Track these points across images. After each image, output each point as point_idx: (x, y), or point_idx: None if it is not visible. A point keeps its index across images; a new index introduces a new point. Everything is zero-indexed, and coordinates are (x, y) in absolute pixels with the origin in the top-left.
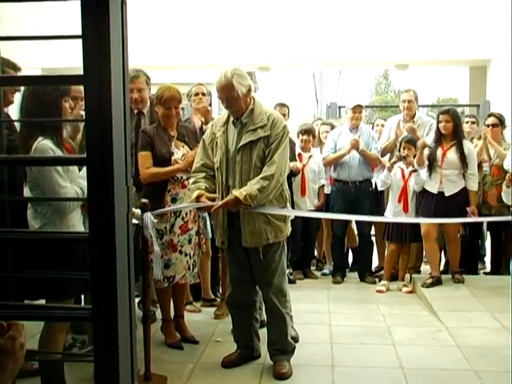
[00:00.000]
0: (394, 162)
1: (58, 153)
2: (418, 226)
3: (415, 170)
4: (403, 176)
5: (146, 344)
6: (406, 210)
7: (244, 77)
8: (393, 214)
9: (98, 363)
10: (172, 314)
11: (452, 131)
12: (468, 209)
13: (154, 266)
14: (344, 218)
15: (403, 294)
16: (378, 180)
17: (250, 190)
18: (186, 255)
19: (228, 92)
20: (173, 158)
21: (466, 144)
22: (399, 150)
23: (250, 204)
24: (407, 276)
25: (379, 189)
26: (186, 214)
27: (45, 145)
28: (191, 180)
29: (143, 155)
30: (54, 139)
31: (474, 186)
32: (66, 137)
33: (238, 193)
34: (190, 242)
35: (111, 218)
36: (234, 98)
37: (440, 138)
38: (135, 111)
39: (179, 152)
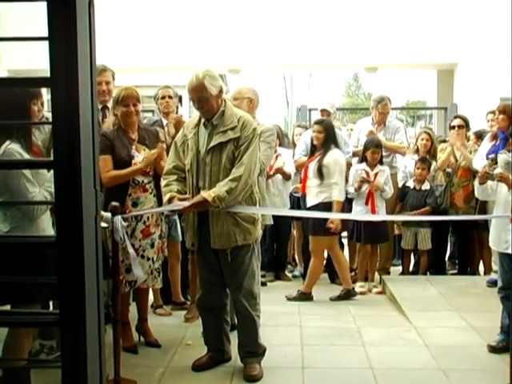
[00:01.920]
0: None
1: (26, 157)
2: (384, 226)
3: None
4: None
5: (116, 348)
6: (373, 211)
7: (215, 78)
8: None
9: (65, 369)
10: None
11: (323, 142)
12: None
13: (134, 269)
14: (312, 216)
15: (373, 294)
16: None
17: (219, 192)
18: (148, 259)
19: (199, 93)
20: (133, 161)
21: (331, 154)
22: (363, 153)
23: (218, 206)
24: (377, 277)
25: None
26: (148, 218)
27: (12, 149)
28: (163, 183)
29: (103, 159)
30: (23, 143)
31: (335, 195)
32: (35, 140)
33: (207, 194)
34: (152, 246)
35: (79, 222)
36: (206, 98)
37: (313, 149)
38: (100, 106)
39: (140, 155)
